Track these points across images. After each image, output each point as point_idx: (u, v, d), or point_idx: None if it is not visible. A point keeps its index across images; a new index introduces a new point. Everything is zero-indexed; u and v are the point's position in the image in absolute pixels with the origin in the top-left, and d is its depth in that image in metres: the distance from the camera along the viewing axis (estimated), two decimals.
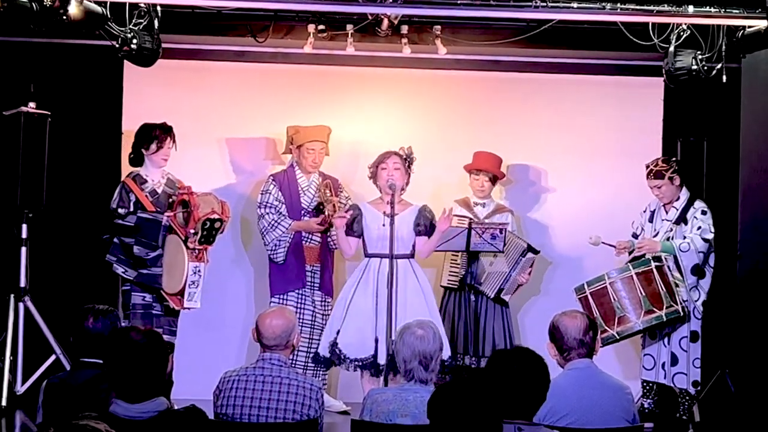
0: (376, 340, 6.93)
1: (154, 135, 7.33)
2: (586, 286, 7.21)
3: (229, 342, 8.13)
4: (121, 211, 7.21)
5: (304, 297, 7.75)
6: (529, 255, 7.68)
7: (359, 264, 7.28)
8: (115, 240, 7.21)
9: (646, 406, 7.50)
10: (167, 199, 7.31)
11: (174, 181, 7.44)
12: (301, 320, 7.65)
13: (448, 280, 7.83)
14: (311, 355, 7.52)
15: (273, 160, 8.28)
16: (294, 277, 7.76)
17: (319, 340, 7.49)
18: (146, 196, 7.29)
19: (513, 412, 3.88)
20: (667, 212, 7.52)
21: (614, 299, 7.11)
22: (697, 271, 7.32)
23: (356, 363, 7.00)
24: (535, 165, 8.43)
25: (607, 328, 7.05)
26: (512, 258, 7.66)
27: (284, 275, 7.76)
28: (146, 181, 7.34)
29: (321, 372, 7.60)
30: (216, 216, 7.03)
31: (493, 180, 7.94)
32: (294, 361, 7.59)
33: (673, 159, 7.64)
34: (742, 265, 7.29)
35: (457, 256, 7.77)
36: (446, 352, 6.94)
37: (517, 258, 7.65)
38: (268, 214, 7.72)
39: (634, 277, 7.15)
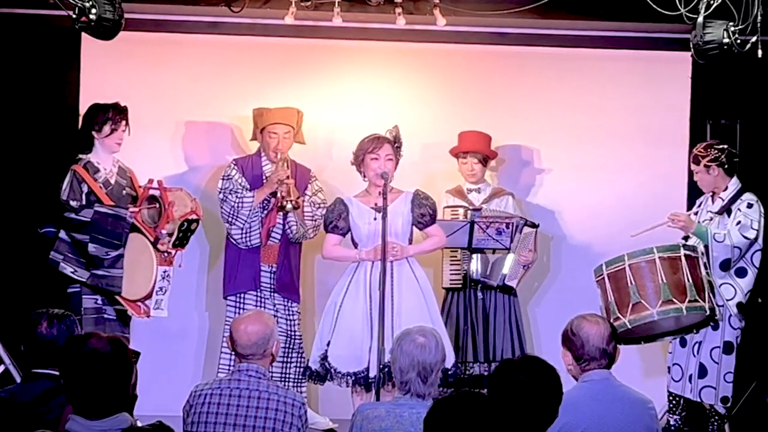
0: (370, 351, 6.91)
1: (108, 116, 7.31)
2: (604, 267, 7.07)
3: (201, 351, 8.13)
4: (73, 203, 7.19)
5: (262, 300, 7.72)
6: (526, 229, 7.70)
7: (348, 266, 7.25)
8: (62, 236, 7.17)
9: (672, 423, 7.51)
10: (121, 191, 7.30)
11: (125, 170, 7.43)
12: None
13: (451, 280, 7.85)
14: (291, 366, 7.58)
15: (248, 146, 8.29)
16: (246, 276, 7.73)
17: (285, 348, 7.55)
18: (100, 187, 7.26)
19: (521, 430, 3.88)
20: (713, 203, 7.50)
21: (631, 283, 6.98)
22: (726, 265, 7.28)
23: (348, 377, 6.98)
24: (545, 149, 8.43)
25: (620, 315, 6.87)
26: (509, 236, 7.66)
27: (235, 274, 7.73)
28: (99, 170, 7.32)
29: (302, 386, 7.61)
30: (194, 216, 7.06)
31: (484, 161, 7.95)
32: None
33: (721, 147, 7.52)
34: None
35: (456, 251, 7.78)
36: (450, 360, 6.94)
37: (513, 235, 7.66)
38: (230, 195, 7.64)
39: (658, 261, 6.95)
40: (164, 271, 7.08)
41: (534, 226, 7.76)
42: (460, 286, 7.80)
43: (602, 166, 8.46)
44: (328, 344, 7.04)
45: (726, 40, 7.13)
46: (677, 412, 7.54)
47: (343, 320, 7.04)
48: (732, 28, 7.17)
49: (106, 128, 7.31)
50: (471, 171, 7.93)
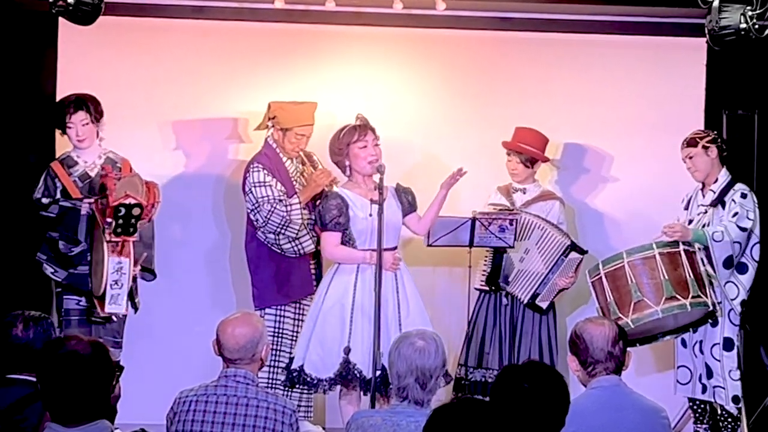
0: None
1: (64, 110, 7.25)
2: (600, 266, 7.12)
3: (186, 355, 8.11)
4: (44, 200, 7.17)
5: (302, 306, 7.68)
6: (573, 255, 7.67)
7: (338, 266, 7.16)
8: (46, 235, 7.18)
9: None
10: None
11: (116, 161, 7.35)
12: (292, 333, 7.62)
13: (481, 281, 7.83)
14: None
15: (234, 140, 8.27)
16: (300, 282, 7.65)
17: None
18: (74, 181, 7.20)
19: None
20: (704, 196, 7.51)
21: (631, 281, 7.00)
22: (729, 262, 7.28)
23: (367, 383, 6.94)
24: (550, 141, 8.39)
25: (621, 315, 6.95)
26: (551, 257, 7.65)
27: (287, 280, 7.63)
28: (76, 164, 7.28)
29: (306, 393, 7.55)
30: (131, 201, 6.81)
31: (529, 162, 7.91)
32: (273, 381, 7.56)
33: (715, 131, 7.62)
34: None
35: (490, 251, 7.75)
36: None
37: (558, 258, 7.63)
38: (278, 205, 7.44)
39: (657, 257, 7.04)
40: (117, 263, 6.83)
41: (583, 252, 7.69)
42: (487, 288, 7.78)
43: (611, 161, 8.45)
44: (347, 351, 6.97)
45: (743, 26, 7.13)
46: (704, 421, 7.52)
47: (359, 323, 7.00)
48: (749, 13, 7.17)
49: (65, 124, 7.25)
50: (513, 170, 7.91)
